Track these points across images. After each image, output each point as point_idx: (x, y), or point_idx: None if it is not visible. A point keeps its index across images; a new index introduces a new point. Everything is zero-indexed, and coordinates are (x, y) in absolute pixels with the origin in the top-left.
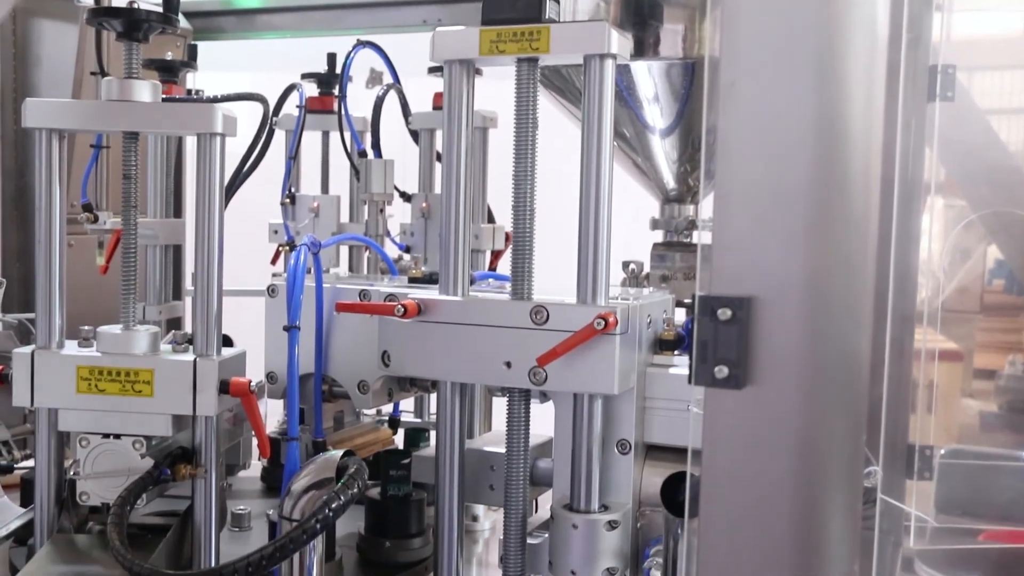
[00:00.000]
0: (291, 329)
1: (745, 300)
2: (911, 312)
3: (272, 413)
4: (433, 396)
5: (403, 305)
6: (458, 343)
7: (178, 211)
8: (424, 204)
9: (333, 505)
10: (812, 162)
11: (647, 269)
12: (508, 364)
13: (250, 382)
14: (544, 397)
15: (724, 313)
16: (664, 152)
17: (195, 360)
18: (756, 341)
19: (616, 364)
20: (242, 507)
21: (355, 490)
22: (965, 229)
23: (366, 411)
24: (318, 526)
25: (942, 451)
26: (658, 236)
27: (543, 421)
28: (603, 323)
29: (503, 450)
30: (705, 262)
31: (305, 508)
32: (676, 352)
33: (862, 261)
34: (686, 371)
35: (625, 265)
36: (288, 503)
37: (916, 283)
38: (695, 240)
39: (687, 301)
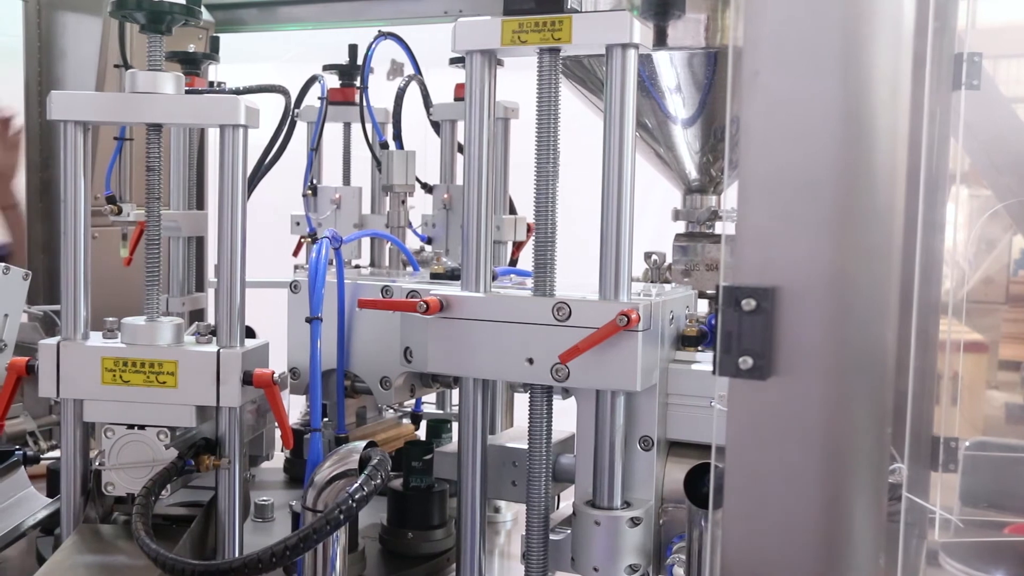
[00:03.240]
0: (313, 320)
1: (769, 290)
2: (936, 302)
3: (294, 406)
4: (455, 390)
5: (425, 302)
6: (480, 339)
7: (201, 203)
8: (446, 195)
9: (356, 496)
10: (837, 151)
11: (669, 259)
12: (530, 360)
13: (273, 373)
14: (566, 393)
15: (748, 303)
16: (686, 142)
17: (219, 351)
18: (781, 332)
19: (639, 361)
20: (265, 498)
21: (378, 481)
22: (990, 219)
23: (388, 407)
24: (341, 517)
25: (967, 443)
26: (680, 227)
27: (565, 417)
28: (626, 320)
29: (525, 446)
30: (729, 252)
31: (328, 499)
32: (699, 348)
33: (887, 251)
34: (709, 367)
35: (647, 256)
36: (311, 494)
37: (941, 273)
38: (718, 231)
39: (710, 292)
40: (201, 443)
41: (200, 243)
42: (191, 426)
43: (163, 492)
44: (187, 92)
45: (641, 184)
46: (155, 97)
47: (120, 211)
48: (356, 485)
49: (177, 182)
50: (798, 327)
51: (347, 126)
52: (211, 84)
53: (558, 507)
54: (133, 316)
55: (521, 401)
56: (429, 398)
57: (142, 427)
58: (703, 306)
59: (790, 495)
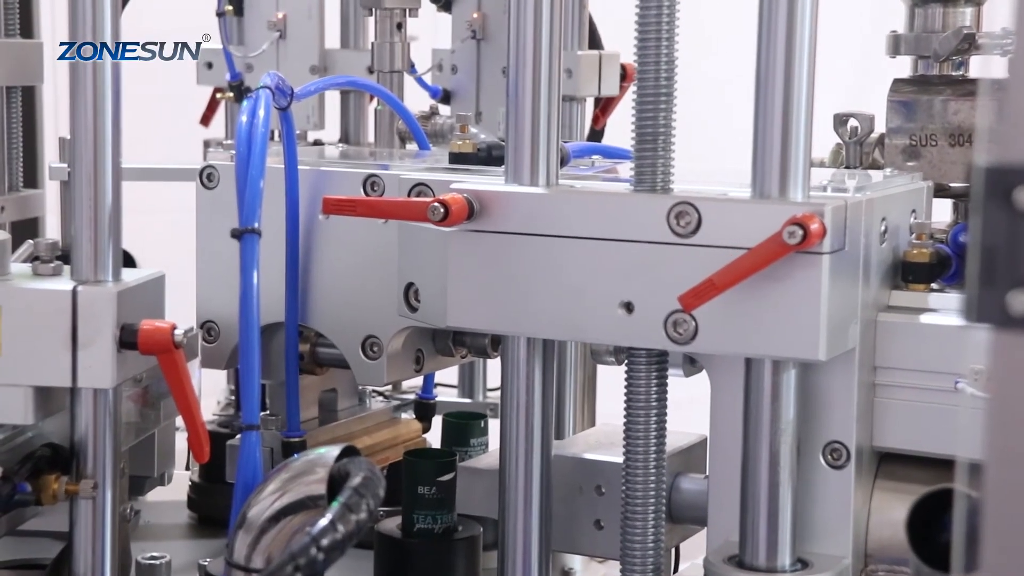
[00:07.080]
0: (245, 235)
1: None
2: None
3: (210, 390)
4: (494, 363)
5: (442, 203)
6: (539, 270)
7: (28, 27)
8: (475, 14)
9: (324, 543)
10: None
11: (879, 127)
12: (628, 307)
13: (173, 329)
14: (692, 366)
15: None
16: None
17: (75, 289)
18: None
19: (823, 307)
20: (156, 555)
21: (362, 516)
22: None
23: (376, 389)
24: None
25: None
26: (903, 67)
27: (690, 408)
28: (800, 234)
29: (618, 458)
30: (997, 109)
31: (273, 549)
32: (934, 285)
33: None
34: (952, 318)
35: (840, 122)
36: (242, 542)
37: None
38: (973, 73)
39: (956, 185)
40: (43, 454)
41: (30, 99)
42: (25, 424)
43: None
44: None
45: None
46: None
47: None
48: (324, 523)
49: None
50: None
51: None
52: None
53: (676, 569)
54: None
55: (610, 380)
56: (449, 375)
57: None
58: (943, 210)
59: None
